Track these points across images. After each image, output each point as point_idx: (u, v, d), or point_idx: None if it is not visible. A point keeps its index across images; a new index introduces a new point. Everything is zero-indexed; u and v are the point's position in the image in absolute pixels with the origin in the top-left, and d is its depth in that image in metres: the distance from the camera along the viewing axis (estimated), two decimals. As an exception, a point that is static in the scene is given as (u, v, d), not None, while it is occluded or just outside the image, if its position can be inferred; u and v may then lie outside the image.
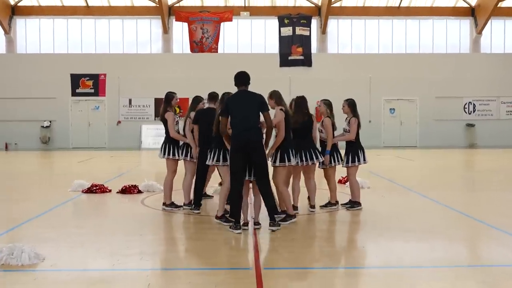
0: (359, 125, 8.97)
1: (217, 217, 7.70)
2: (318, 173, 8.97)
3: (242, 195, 7.30)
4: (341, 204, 9.01)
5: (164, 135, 8.98)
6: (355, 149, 8.93)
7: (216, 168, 8.77)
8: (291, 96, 9.06)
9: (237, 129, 7.22)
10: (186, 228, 7.93)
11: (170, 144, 8.85)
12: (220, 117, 7.36)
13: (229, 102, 7.36)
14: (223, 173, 7.84)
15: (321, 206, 8.94)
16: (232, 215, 7.31)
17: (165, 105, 8.97)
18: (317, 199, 8.81)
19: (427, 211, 8.93)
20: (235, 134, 7.25)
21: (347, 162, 8.92)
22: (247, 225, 7.38)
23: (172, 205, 8.95)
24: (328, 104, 8.91)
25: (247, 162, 7.29)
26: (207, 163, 7.94)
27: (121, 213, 8.94)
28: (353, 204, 8.95)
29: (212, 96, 8.67)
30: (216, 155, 7.68)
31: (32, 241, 6.53)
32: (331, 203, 9.00)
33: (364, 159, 9.02)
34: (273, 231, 7.21)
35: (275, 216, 7.35)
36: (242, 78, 7.48)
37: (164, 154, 8.87)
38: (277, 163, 7.68)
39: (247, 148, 7.18)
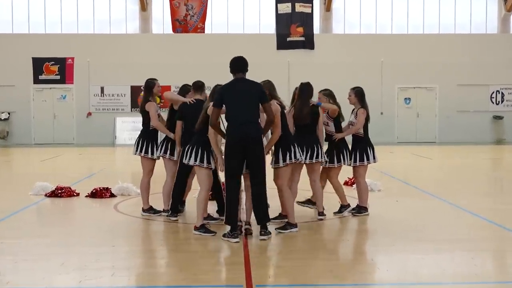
0: (368, 118, 8.96)
1: (195, 228, 7.65)
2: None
3: (239, 199, 7.38)
4: (353, 214, 8.98)
5: (141, 129, 8.94)
6: (363, 146, 8.93)
7: None
8: (290, 84, 9.10)
9: (234, 123, 7.23)
10: (166, 238, 7.89)
11: (147, 140, 8.81)
12: (212, 108, 7.31)
13: (223, 91, 7.34)
14: (202, 177, 7.70)
15: (335, 213, 8.96)
16: (228, 221, 7.32)
17: (146, 94, 8.94)
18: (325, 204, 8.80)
19: (447, 218, 8.93)
20: (231, 130, 7.25)
21: (355, 161, 8.91)
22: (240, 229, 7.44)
23: (150, 210, 8.93)
24: (328, 94, 8.88)
25: (244, 160, 7.32)
26: (184, 161, 7.83)
27: (90, 220, 8.90)
28: (360, 209, 8.95)
29: (198, 86, 8.52)
30: (199, 155, 7.58)
31: (-14, 253, 6.51)
32: (343, 206, 9.01)
33: (374, 158, 9.02)
34: (264, 240, 7.28)
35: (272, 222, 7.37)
36: (239, 64, 7.46)
37: (139, 151, 8.84)
38: (281, 164, 7.69)
39: (244, 144, 7.20)
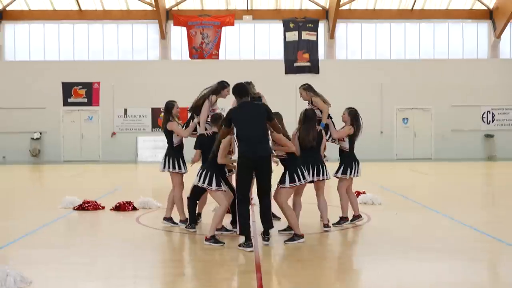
0: (355, 136, 8.96)
1: (206, 239, 7.65)
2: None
3: (249, 212, 7.51)
4: (333, 224, 8.90)
5: (167, 147, 9.00)
6: (348, 161, 8.94)
7: None
8: (298, 106, 9.09)
9: (246, 142, 7.31)
10: (184, 248, 7.88)
11: (173, 156, 8.86)
12: (222, 127, 7.50)
13: (233, 113, 7.43)
14: (218, 198, 7.77)
15: (334, 224, 8.93)
16: (243, 232, 7.39)
17: (166, 115, 8.95)
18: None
19: (443, 230, 8.85)
20: (244, 149, 7.32)
21: (336, 172, 8.94)
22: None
23: (170, 220, 8.96)
24: (351, 112, 9.00)
25: (253, 176, 7.49)
26: (194, 182, 7.97)
27: (114, 232, 8.90)
28: (341, 220, 8.96)
29: (214, 119, 8.57)
30: (206, 178, 7.69)
31: (19, 262, 6.50)
32: (355, 216, 9.00)
33: (357, 172, 8.99)
34: (267, 245, 7.49)
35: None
36: (243, 90, 7.61)
37: (166, 167, 8.86)
38: (287, 185, 7.73)
39: (256, 163, 7.34)
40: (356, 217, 9.07)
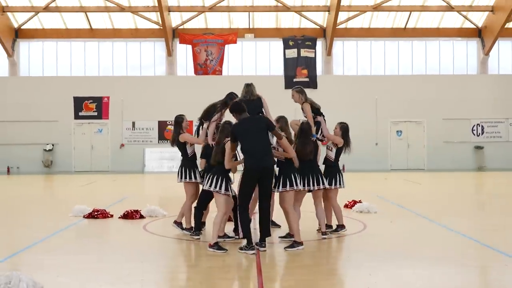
0: (343, 148, 8.92)
1: (210, 246, 7.63)
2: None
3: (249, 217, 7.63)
4: (331, 232, 8.83)
5: (181, 159, 9.01)
6: (334, 171, 8.85)
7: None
8: (297, 118, 9.05)
9: (252, 155, 7.40)
10: (188, 255, 7.84)
11: (187, 167, 8.84)
12: (229, 142, 7.55)
13: (235, 129, 7.51)
14: (220, 201, 7.75)
15: (332, 231, 8.90)
16: (245, 236, 7.47)
17: (176, 129, 8.98)
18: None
19: (436, 237, 8.82)
20: (250, 162, 7.41)
21: (330, 184, 8.79)
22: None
23: (191, 229, 8.89)
24: (343, 127, 8.96)
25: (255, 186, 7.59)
26: (203, 187, 8.00)
27: (122, 239, 8.88)
28: (339, 227, 8.90)
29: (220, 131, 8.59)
30: (217, 182, 7.68)
31: (31, 268, 6.47)
32: (339, 226, 8.92)
33: (341, 183, 8.90)
34: (265, 250, 7.52)
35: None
36: (242, 107, 7.70)
37: (182, 178, 8.84)
38: (280, 189, 7.75)
39: (261, 174, 7.44)
40: (329, 226, 8.96)
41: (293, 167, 7.88)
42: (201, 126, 8.99)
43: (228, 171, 7.74)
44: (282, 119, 8.14)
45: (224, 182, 7.67)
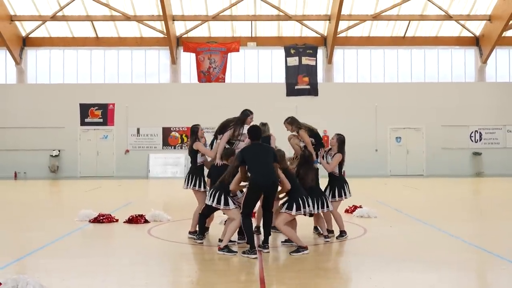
0: (343, 161, 8.97)
1: (220, 249, 7.74)
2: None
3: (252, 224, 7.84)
4: (336, 238, 8.85)
5: (190, 166, 9.06)
6: (340, 184, 8.93)
7: None
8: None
9: (257, 173, 7.65)
10: (192, 258, 7.84)
11: (196, 175, 8.92)
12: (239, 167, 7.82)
13: (244, 153, 7.82)
14: (231, 214, 7.94)
15: (337, 237, 8.92)
16: (249, 241, 7.59)
17: (192, 138, 9.06)
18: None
19: (434, 241, 8.81)
20: (256, 179, 7.64)
21: (333, 197, 8.87)
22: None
23: (194, 233, 8.88)
24: (339, 139, 9.01)
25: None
26: (206, 202, 8.13)
27: (127, 243, 8.88)
28: (341, 233, 8.88)
29: (226, 154, 8.58)
30: (217, 197, 7.89)
31: (38, 271, 6.49)
32: (342, 232, 8.92)
33: (350, 193, 9.04)
34: (268, 252, 7.65)
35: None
36: (257, 133, 8.00)
37: (191, 185, 8.90)
38: (284, 210, 7.92)
39: (265, 190, 7.70)
40: (331, 232, 8.97)
41: (301, 191, 7.97)
42: (215, 140, 9.03)
43: (228, 189, 7.91)
44: (279, 152, 8.13)
45: (222, 197, 7.86)
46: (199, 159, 8.96)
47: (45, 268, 6.81)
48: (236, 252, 7.67)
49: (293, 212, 7.80)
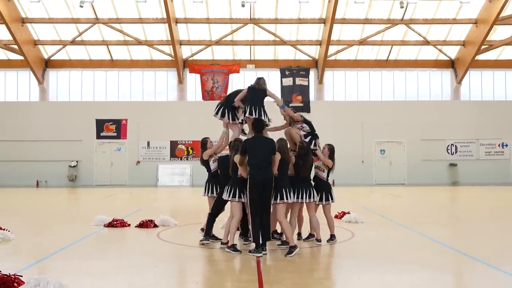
0: (333, 168, 8.81)
1: (228, 247, 7.80)
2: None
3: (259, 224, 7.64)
4: (327, 241, 8.73)
5: (207, 175, 9.03)
6: (328, 188, 8.75)
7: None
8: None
9: (255, 168, 7.60)
10: (197, 260, 7.79)
11: (212, 182, 8.85)
12: (239, 155, 7.75)
13: (246, 144, 7.79)
14: (234, 209, 7.91)
15: (305, 239, 8.83)
16: (255, 240, 7.55)
17: (202, 149, 9.04)
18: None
19: (416, 245, 8.77)
20: (252, 173, 7.59)
21: (327, 200, 8.70)
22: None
23: (213, 237, 8.83)
24: (330, 149, 8.88)
25: (261, 194, 7.63)
26: (224, 197, 8.05)
27: (138, 246, 8.83)
28: (332, 237, 8.81)
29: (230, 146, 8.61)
30: (232, 192, 7.85)
31: (58, 272, 6.44)
32: (332, 236, 8.85)
33: (333, 198, 8.87)
34: (265, 254, 7.55)
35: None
36: (260, 126, 8.03)
37: (207, 193, 8.86)
38: (278, 201, 7.72)
39: (263, 183, 7.56)
40: (299, 234, 8.90)
41: (285, 181, 7.87)
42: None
43: (242, 182, 7.80)
44: (281, 141, 8.08)
45: (237, 191, 7.81)
46: (212, 166, 8.86)
47: (63, 269, 6.76)
48: (241, 251, 7.69)
49: (278, 200, 7.70)
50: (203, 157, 8.90)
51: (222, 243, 8.18)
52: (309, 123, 8.95)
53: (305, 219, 9.00)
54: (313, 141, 8.74)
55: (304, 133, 8.80)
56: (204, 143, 9.04)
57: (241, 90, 9.05)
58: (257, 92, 8.73)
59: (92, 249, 8.64)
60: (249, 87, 8.84)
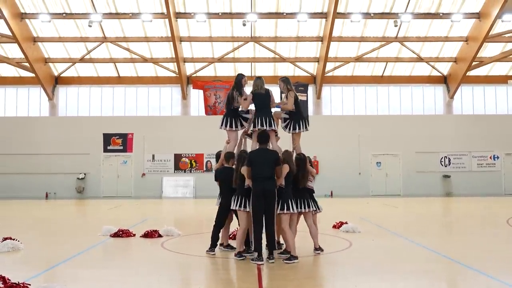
0: (313, 177, 8.65)
1: (235, 254, 7.89)
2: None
3: (262, 234, 7.65)
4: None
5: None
6: (314, 198, 8.58)
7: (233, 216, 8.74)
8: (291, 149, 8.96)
9: (257, 179, 7.62)
10: (200, 268, 7.75)
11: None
12: (245, 167, 7.79)
13: (251, 156, 7.83)
14: (241, 218, 7.96)
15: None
16: (257, 249, 7.56)
17: (217, 161, 9.11)
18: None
19: (411, 253, 8.73)
20: (255, 185, 7.62)
21: (319, 209, 8.61)
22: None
23: (228, 247, 8.79)
24: (310, 160, 8.81)
25: (264, 205, 7.62)
26: (231, 207, 8.05)
27: (143, 255, 8.80)
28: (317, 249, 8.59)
29: (228, 157, 8.65)
30: (239, 201, 7.89)
31: (66, 281, 6.41)
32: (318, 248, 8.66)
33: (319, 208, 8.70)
34: (273, 262, 7.53)
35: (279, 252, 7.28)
36: (265, 138, 7.99)
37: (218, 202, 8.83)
38: (278, 211, 7.74)
39: (264, 194, 7.56)
40: (279, 243, 8.73)
41: (290, 192, 7.89)
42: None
43: (248, 192, 7.79)
44: (286, 153, 8.05)
45: (243, 201, 7.85)
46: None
47: (72, 277, 6.72)
48: (245, 257, 7.80)
49: (285, 211, 7.72)
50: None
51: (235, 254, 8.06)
52: (298, 105, 8.93)
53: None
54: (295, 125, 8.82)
55: (286, 116, 8.91)
56: (219, 156, 9.06)
57: (240, 86, 8.94)
58: (262, 97, 8.81)
59: (99, 258, 8.62)
60: (253, 94, 8.87)
